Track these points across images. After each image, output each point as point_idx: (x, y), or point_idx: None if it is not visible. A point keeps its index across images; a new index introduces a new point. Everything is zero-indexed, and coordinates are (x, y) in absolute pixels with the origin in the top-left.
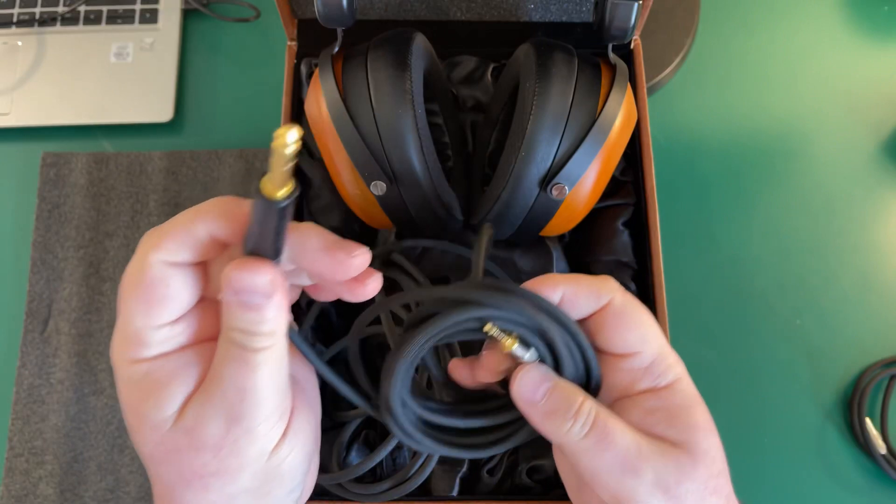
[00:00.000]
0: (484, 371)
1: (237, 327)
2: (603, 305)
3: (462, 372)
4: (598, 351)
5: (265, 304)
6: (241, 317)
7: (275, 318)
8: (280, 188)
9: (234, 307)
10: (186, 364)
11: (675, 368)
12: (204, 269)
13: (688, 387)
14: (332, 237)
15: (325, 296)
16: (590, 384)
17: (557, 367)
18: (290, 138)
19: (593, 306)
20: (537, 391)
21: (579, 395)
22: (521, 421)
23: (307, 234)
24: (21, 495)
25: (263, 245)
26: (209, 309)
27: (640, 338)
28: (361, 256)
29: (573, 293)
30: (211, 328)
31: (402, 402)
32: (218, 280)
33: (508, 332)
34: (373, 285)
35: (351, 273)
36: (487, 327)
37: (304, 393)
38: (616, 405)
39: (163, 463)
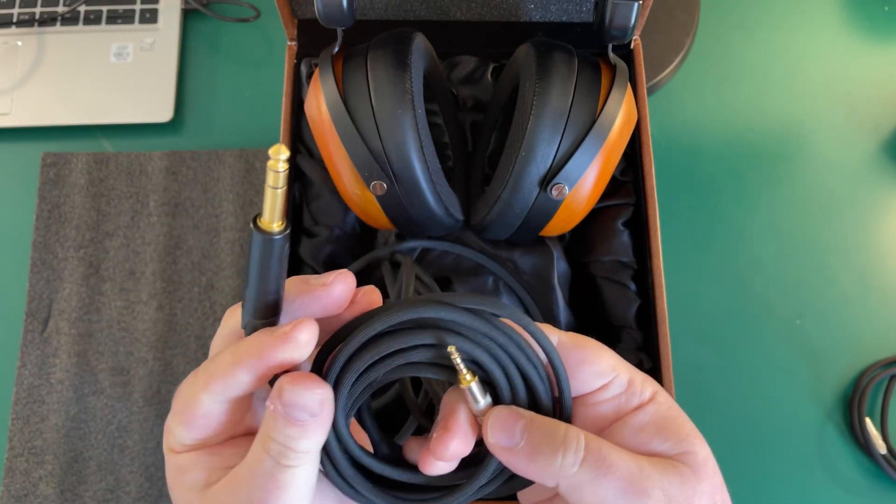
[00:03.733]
0: (454, 433)
1: (276, 439)
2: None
3: (426, 455)
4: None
5: (310, 422)
6: (282, 430)
7: (314, 439)
8: (275, 221)
9: (280, 419)
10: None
11: (648, 383)
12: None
13: (666, 398)
14: (300, 278)
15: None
16: (562, 413)
17: (515, 400)
18: (282, 155)
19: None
20: (514, 433)
21: (560, 425)
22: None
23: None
24: (21, 495)
25: (265, 292)
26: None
27: (607, 365)
28: (339, 280)
29: None
30: (238, 424)
31: (343, 450)
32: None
33: (469, 368)
34: (338, 287)
35: (335, 297)
36: (451, 349)
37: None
38: (603, 434)
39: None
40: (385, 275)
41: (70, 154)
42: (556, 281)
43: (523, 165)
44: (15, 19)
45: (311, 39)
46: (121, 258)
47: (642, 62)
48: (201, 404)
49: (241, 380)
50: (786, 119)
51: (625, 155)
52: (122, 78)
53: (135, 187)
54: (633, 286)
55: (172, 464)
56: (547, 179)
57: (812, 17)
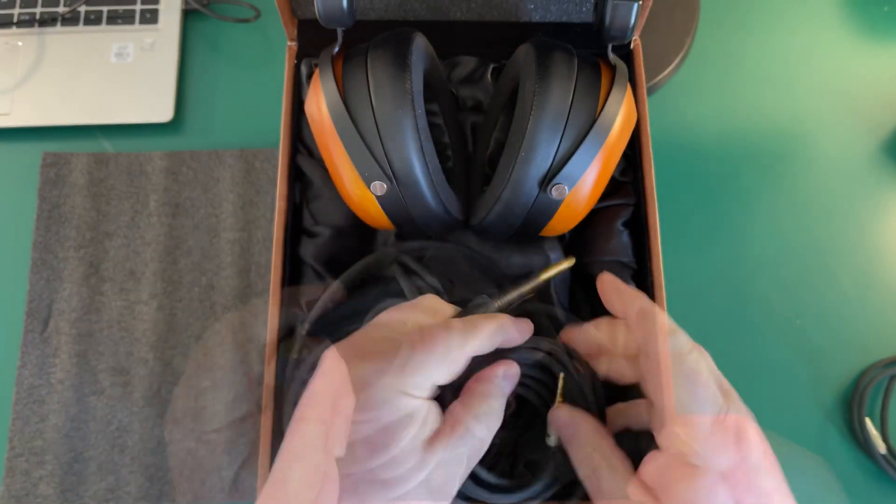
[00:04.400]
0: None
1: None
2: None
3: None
4: None
5: None
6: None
7: None
8: None
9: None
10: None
11: (724, 449)
12: None
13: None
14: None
15: None
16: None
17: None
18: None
19: None
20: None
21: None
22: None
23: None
24: (21, 495)
25: None
26: None
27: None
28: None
29: None
30: None
31: None
32: None
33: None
34: None
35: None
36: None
37: None
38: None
39: None
40: (400, 279)
41: (70, 154)
42: (555, 281)
43: (523, 166)
44: (15, 19)
45: (311, 40)
46: (121, 258)
47: (642, 62)
48: (465, 354)
49: (485, 347)
50: (786, 119)
51: (625, 155)
52: (122, 78)
53: (135, 187)
54: (632, 286)
55: (402, 408)
56: (547, 179)
57: (812, 17)
